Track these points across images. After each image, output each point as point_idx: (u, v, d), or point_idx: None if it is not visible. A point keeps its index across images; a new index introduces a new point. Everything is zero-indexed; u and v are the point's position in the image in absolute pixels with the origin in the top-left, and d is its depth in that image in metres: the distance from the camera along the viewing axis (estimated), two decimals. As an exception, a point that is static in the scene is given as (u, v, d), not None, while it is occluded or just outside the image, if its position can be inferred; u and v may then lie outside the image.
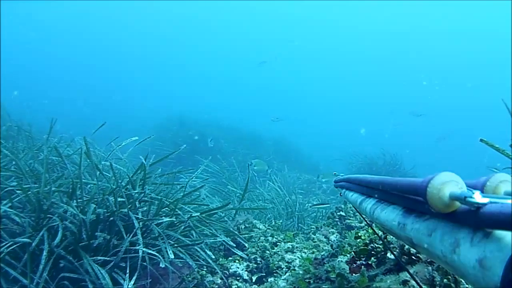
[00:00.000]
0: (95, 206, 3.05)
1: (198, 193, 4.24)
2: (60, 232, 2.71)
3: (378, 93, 39.76)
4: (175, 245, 3.22)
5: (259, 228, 4.30)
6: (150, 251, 2.88)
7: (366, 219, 1.30)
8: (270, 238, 3.94)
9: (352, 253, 2.87)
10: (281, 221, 5.01)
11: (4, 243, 2.63)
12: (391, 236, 2.23)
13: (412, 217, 0.76)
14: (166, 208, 3.49)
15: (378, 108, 35.88)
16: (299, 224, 5.26)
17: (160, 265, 2.86)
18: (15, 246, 2.63)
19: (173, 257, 2.93)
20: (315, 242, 3.69)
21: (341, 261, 2.91)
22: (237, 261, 3.56)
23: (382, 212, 0.95)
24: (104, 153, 4.89)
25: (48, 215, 2.92)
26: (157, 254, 2.88)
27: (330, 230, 3.96)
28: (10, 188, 3.20)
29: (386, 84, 40.27)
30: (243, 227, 4.26)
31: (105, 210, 3.05)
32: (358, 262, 2.65)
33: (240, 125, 16.39)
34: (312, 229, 4.29)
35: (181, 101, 26.43)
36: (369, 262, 2.53)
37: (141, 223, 3.10)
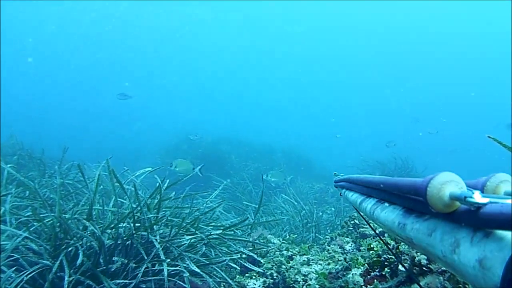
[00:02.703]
0: (110, 230, 3.08)
1: (215, 212, 4.24)
2: (81, 255, 2.73)
3: (383, 98, 39.57)
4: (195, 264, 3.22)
5: (273, 243, 4.28)
6: (173, 269, 2.91)
7: (366, 219, 1.29)
8: (285, 252, 3.92)
9: (366, 265, 2.87)
10: (295, 235, 4.96)
11: (24, 271, 2.66)
12: (403, 247, 2.21)
13: (412, 217, 0.77)
14: (183, 229, 3.50)
15: (385, 113, 35.76)
16: (316, 234, 5.21)
17: (184, 281, 2.88)
18: (34, 273, 2.65)
19: (197, 271, 2.94)
20: (330, 253, 3.66)
21: (355, 274, 2.93)
22: (253, 277, 3.54)
23: (382, 212, 0.95)
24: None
25: (66, 241, 2.94)
26: (183, 269, 2.91)
27: (344, 240, 3.93)
28: (24, 219, 3.25)
29: (389, 87, 40.09)
30: (258, 242, 4.25)
31: (122, 233, 3.08)
32: (372, 273, 2.65)
33: (249, 139, 16.42)
34: (327, 240, 4.25)
35: (187, 119, 26.52)
36: (383, 273, 2.51)
37: (161, 245, 3.11)
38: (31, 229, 3.02)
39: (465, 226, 0.58)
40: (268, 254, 3.96)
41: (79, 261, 2.68)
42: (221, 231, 3.58)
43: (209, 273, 3.26)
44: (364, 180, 1.21)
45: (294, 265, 3.60)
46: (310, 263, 3.56)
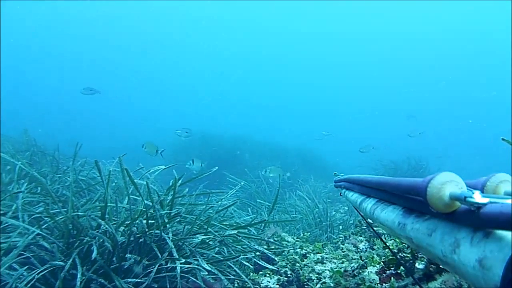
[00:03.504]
0: (124, 228, 3.11)
1: (229, 210, 4.25)
2: (95, 251, 2.75)
3: (396, 98, 39.10)
4: (206, 261, 3.23)
5: (287, 241, 4.29)
6: (186, 266, 2.92)
7: (366, 219, 1.28)
8: (299, 250, 3.92)
9: (381, 263, 2.86)
10: (309, 233, 4.95)
11: (35, 270, 2.68)
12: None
13: (412, 217, 0.77)
14: (197, 227, 3.52)
15: (395, 111, 35.36)
16: (330, 233, 5.19)
17: (197, 278, 2.90)
18: (45, 271, 2.69)
19: (209, 268, 2.96)
20: (344, 251, 3.64)
21: (371, 272, 2.91)
22: (267, 275, 3.55)
23: (382, 212, 0.95)
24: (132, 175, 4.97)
25: (80, 238, 2.97)
26: (196, 266, 2.93)
27: (358, 239, 3.91)
28: (37, 215, 3.28)
29: (401, 87, 39.63)
30: (272, 240, 4.26)
31: (135, 230, 3.10)
32: (388, 272, 2.64)
33: (263, 138, 16.44)
34: (341, 239, 4.24)
35: (201, 119, 26.66)
36: (398, 272, 2.50)
37: (173, 242, 3.12)
38: (43, 226, 3.05)
39: (465, 226, 0.58)
40: (282, 252, 3.97)
41: (94, 255, 2.71)
42: (236, 231, 3.59)
43: (222, 271, 3.28)
44: (364, 180, 1.21)
45: (308, 263, 3.60)
46: (324, 262, 3.56)
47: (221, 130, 16.19)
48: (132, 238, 3.06)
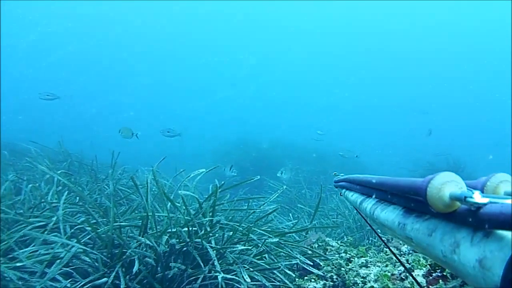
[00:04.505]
0: (167, 237, 3.17)
1: (270, 216, 4.27)
2: (136, 264, 2.81)
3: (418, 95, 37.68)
4: (251, 269, 3.26)
5: (332, 246, 4.25)
6: (228, 276, 2.93)
7: (366, 219, 1.25)
8: (343, 255, 3.88)
9: (428, 266, 2.79)
10: (351, 237, 4.87)
11: (78, 282, 2.76)
12: None
13: (412, 217, 0.76)
14: (239, 233, 3.56)
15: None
16: (370, 238, 5.07)
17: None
18: (88, 285, 2.75)
19: (249, 280, 2.97)
20: (387, 255, 3.56)
21: (418, 275, 2.88)
22: (313, 280, 3.54)
23: (382, 212, 0.94)
24: (172, 183, 5.06)
25: (123, 250, 3.02)
26: (237, 278, 2.94)
27: (400, 241, 3.80)
28: (80, 226, 3.38)
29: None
30: (316, 245, 4.25)
31: (177, 241, 3.16)
32: (434, 274, 2.59)
33: (302, 142, 16.32)
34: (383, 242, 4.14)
35: (240, 125, 26.81)
36: (444, 274, 2.44)
37: (215, 251, 3.17)
38: (86, 238, 3.16)
39: (465, 226, 0.58)
40: (326, 256, 3.94)
41: (135, 269, 2.76)
42: (277, 238, 3.60)
43: (268, 277, 3.30)
44: (364, 180, 1.20)
45: (352, 267, 3.56)
46: (368, 265, 3.51)
47: (260, 136, 16.28)
48: (176, 247, 3.12)
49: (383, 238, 2.27)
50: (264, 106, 40.20)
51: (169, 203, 3.71)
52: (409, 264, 3.13)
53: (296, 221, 5.18)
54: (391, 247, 3.71)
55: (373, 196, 1.07)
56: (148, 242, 3.00)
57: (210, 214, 3.59)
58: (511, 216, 0.47)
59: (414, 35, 38.25)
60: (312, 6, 38.53)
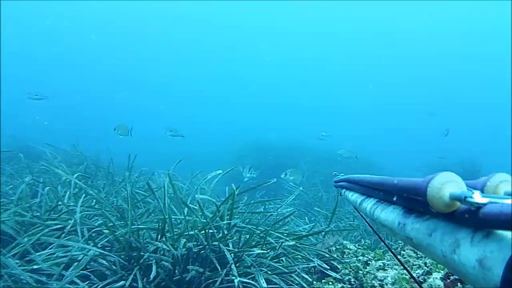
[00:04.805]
0: (185, 240, 3.19)
1: (288, 219, 4.25)
2: (154, 269, 2.84)
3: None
4: (269, 272, 3.26)
5: (349, 249, 4.23)
6: (244, 280, 2.94)
7: (367, 220, 1.24)
8: (361, 258, 3.86)
9: (446, 269, 2.74)
10: (368, 240, 4.83)
11: (96, 284, 2.79)
12: None
13: (412, 217, 0.76)
14: (257, 237, 3.57)
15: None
16: (387, 240, 5.00)
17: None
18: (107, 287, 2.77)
19: (266, 285, 2.96)
20: (404, 258, 3.52)
21: (436, 277, 2.88)
22: (331, 283, 3.52)
23: (382, 212, 0.93)
24: (189, 186, 5.08)
25: (141, 253, 3.04)
26: (252, 282, 2.95)
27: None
28: (97, 229, 3.41)
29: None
30: (334, 248, 4.24)
31: (195, 244, 3.18)
32: (452, 277, 2.57)
33: (318, 145, 16.23)
34: (400, 245, 4.10)
35: (256, 128, 26.81)
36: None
37: (232, 254, 3.18)
38: (104, 240, 3.17)
39: (465, 226, 0.57)
40: (344, 259, 3.92)
41: (152, 275, 2.79)
42: (294, 242, 3.59)
43: (285, 280, 3.29)
44: (364, 180, 1.19)
45: (370, 270, 3.54)
46: (386, 268, 3.48)
47: (276, 138, 16.26)
48: (194, 250, 3.14)
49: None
50: (280, 108, 40.18)
51: (186, 209, 3.73)
52: (427, 267, 3.10)
53: (313, 224, 5.15)
54: (408, 250, 3.66)
55: (373, 196, 1.07)
56: (165, 246, 3.03)
57: (228, 217, 3.61)
58: (511, 216, 0.47)
59: (427, 36, 37.90)
60: (326, 7, 38.51)
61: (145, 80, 40.76)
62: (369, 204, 1.08)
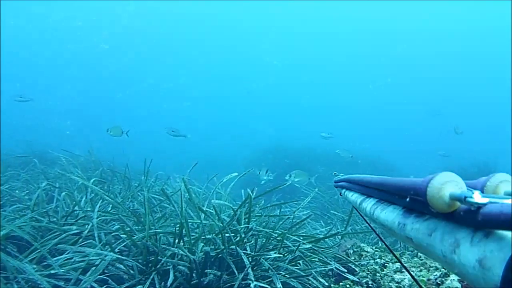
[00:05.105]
0: (203, 244, 3.20)
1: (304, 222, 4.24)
2: (172, 274, 2.84)
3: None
4: (286, 275, 3.26)
5: (367, 251, 4.20)
6: (262, 284, 2.94)
7: (367, 220, 1.23)
8: (378, 260, 3.83)
9: None
10: (387, 242, 4.77)
11: None
12: None
13: (412, 217, 0.75)
14: (274, 240, 3.57)
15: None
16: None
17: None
18: None
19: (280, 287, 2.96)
20: (421, 260, 3.48)
21: (453, 279, 2.87)
22: (348, 286, 3.51)
23: (382, 212, 0.93)
24: (205, 190, 5.09)
25: (158, 258, 3.06)
26: (269, 287, 2.92)
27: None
28: (114, 233, 3.43)
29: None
30: (351, 251, 4.21)
31: (213, 247, 3.20)
32: None
33: (333, 148, 16.09)
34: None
35: (272, 131, 26.78)
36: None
37: (250, 258, 3.19)
38: (121, 245, 3.20)
39: (465, 226, 0.57)
40: (361, 262, 3.90)
41: (169, 281, 2.79)
42: (311, 245, 3.58)
43: (303, 283, 3.28)
44: (364, 180, 1.18)
45: (387, 272, 3.53)
46: (403, 271, 3.45)
47: (292, 142, 16.21)
48: (212, 254, 3.16)
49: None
50: (295, 112, 40.05)
51: (202, 214, 3.73)
52: (445, 269, 3.06)
53: (330, 227, 5.11)
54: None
55: (373, 196, 1.07)
56: (181, 252, 3.05)
57: (246, 220, 3.62)
58: (511, 216, 0.47)
59: (427, 36, 37.55)
60: (328, 8, 38.41)
61: (155, 84, 41.18)
62: (369, 204, 1.08)
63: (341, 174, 1.72)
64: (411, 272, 3.29)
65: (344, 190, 1.55)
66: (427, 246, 0.65)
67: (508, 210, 0.48)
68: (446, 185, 0.60)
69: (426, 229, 0.66)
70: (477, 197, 0.54)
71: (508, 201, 0.52)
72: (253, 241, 3.53)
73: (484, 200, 0.53)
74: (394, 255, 1.00)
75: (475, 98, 35.41)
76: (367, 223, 1.29)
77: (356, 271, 3.67)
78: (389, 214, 0.86)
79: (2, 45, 28.10)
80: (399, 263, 3.55)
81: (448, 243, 0.59)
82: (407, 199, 0.72)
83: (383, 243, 4.54)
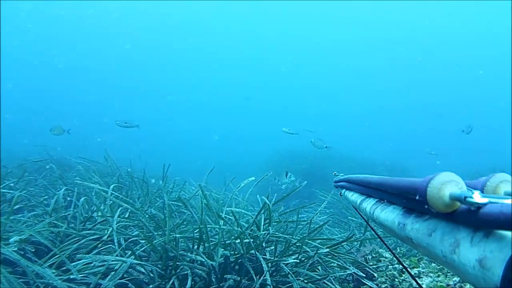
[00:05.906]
0: (222, 249, 3.19)
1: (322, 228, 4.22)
2: (190, 279, 2.85)
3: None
4: (305, 280, 3.25)
5: (385, 257, 4.16)
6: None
7: (366, 219, 1.22)
8: (397, 266, 3.80)
9: None
10: (404, 248, 4.70)
11: None
12: None
13: (412, 217, 0.75)
14: (293, 246, 3.55)
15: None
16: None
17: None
18: None
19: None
20: (439, 265, 3.41)
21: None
22: (367, 292, 3.48)
23: (382, 212, 0.92)
24: (223, 196, 5.08)
25: (177, 263, 3.07)
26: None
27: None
28: (133, 238, 3.44)
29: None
30: (370, 257, 4.18)
31: (232, 252, 3.21)
32: None
33: (350, 153, 15.92)
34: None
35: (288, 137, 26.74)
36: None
37: (269, 264, 3.19)
38: (140, 250, 3.20)
39: (465, 226, 0.57)
40: (380, 268, 3.86)
41: (188, 285, 2.80)
42: (328, 250, 3.56)
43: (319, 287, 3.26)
44: (364, 180, 1.18)
45: (406, 278, 3.51)
46: (421, 276, 3.43)
47: (308, 147, 16.14)
48: (231, 259, 3.18)
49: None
50: (311, 117, 39.98)
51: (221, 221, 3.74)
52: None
53: (348, 233, 5.04)
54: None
55: (373, 196, 1.06)
56: (200, 258, 3.06)
57: (266, 225, 3.63)
58: (511, 216, 0.47)
59: (428, 36, 37.15)
60: (332, 11, 38.46)
61: (168, 92, 41.79)
62: (369, 204, 1.07)
63: (341, 174, 1.72)
64: (430, 278, 3.24)
65: (344, 190, 1.55)
66: (427, 246, 0.65)
67: (508, 210, 0.48)
68: (446, 185, 0.60)
69: (426, 229, 0.66)
70: (477, 197, 0.54)
71: (508, 201, 0.52)
72: (272, 246, 3.52)
73: (484, 200, 0.53)
74: (393, 254, 1.00)
75: (468, 98, 35.62)
76: (367, 223, 1.28)
77: (375, 276, 3.64)
78: (389, 214, 0.86)
79: (2, 45, 28.87)
80: (417, 269, 3.51)
81: (448, 243, 0.58)
82: (407, 199, 0.72)
83: (400, 249, 4.49)
